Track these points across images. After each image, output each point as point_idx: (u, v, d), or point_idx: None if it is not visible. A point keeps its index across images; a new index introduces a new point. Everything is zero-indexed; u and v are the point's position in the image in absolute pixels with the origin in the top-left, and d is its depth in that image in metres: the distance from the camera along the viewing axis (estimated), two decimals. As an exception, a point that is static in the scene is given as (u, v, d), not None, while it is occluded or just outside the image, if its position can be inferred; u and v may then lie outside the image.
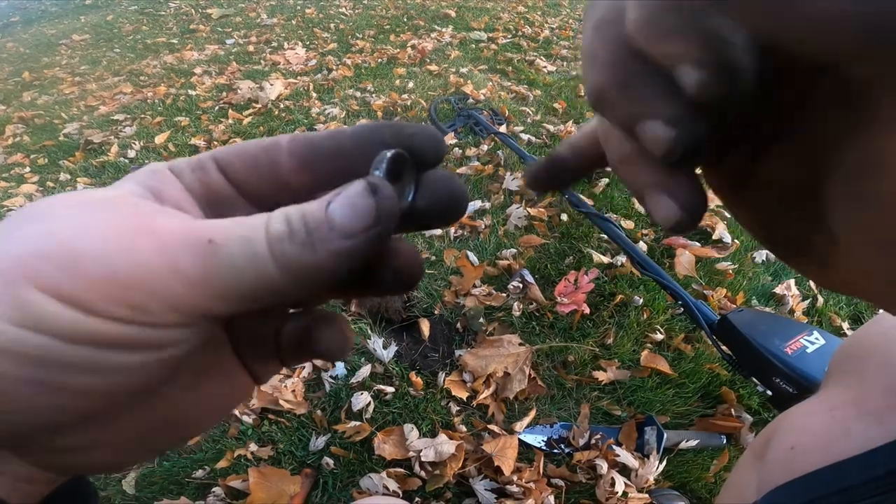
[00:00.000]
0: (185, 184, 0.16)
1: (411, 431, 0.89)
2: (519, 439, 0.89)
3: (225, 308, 0.13)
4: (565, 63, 2.67)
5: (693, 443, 0.91)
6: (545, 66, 2.54)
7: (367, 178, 0.14)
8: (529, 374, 0.99)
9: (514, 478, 0.84)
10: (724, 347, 0.84)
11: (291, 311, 0.19)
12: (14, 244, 0.11)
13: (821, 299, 1.18)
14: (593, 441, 0.91)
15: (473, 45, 2.81)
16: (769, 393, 0.91)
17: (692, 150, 0.12)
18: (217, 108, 2.18)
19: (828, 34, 0.09)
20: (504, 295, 1.15)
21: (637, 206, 1.41)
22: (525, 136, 1.85)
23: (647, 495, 0.83)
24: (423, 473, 0.85)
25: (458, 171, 1.62)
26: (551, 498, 0.82)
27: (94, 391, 0.12)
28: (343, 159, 0.16)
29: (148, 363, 0.13)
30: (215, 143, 1.87)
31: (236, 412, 0.92)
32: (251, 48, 2.88)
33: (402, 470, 0.85)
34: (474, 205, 1.46)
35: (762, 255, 1.28)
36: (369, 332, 1.07)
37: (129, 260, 0.12)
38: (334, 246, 0.13)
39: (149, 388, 0.14)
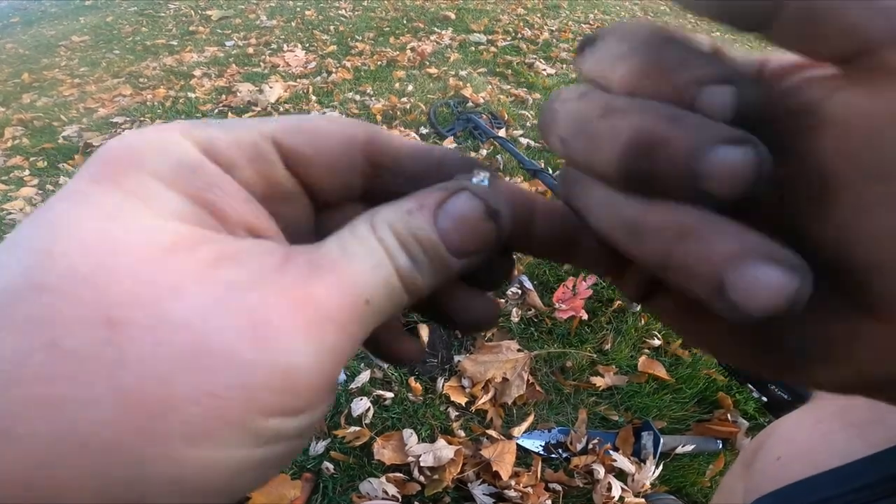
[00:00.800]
0: (242, 180, 0.13)
1: (410, 436, 0.90)
2: (517, 444, 0.90)
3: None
4: (565, 66, 2.68)
5: (689, 447, 0.91)
6: (545, 69, 2.55)
7: (474, 191, 0.13)
8: (528, 380, 1.00)
9: (512, 483, 0.84)
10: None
11: None
12: (202, 379, 0.10)
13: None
14: (591, 446, 0.91)
15: (473, 48, 2.81)
16: (765, 399, 0.92)
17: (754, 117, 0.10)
18: (216, 110, 2.18)
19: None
20: (502, 301, 1.16)
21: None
22: (524, 141, 1.86)
23: (643, 500, 0.84)
24: (422, 478, 0.85)
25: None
26: (549, 502, 0.83)
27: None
28: (417, 181, 0.15)
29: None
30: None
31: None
32: (251, 50, 2.88)
33: (401, 475, 0.86)
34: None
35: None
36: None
37: (332, 354, 0.11)
38: (454, 266, 0.13)
39: None
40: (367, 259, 0.12)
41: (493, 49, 2.79)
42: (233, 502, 0.12)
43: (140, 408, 0.09)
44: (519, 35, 3.04)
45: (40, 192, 1.73)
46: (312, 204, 0.15)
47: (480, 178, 0.14)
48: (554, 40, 3.04)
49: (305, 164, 0.14)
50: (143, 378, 0.10)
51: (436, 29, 3.09)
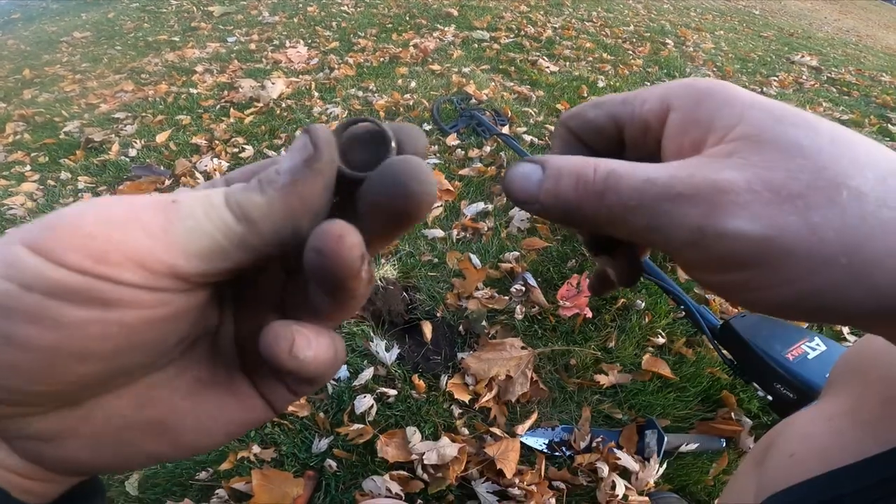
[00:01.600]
0: None
1: (414, 434, 0.90)
2: (521, 442, 0.90)
3: (191, 265, 0.13)
4: (568, 63, 2.67)
5: (693, 446, 0.91)
6: (548, 67, 2.54)
7: (307, 127, 0.15)
8: (531, 378, 1.00)
9: (516, 480, 0.84)
10: (725, 352, 0.84)
11: None
12: (27, 226, 0.13)
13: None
14: (594, 444, 0.91)
15: (476, 45, 2.80)
16: (770, 398, 0.91)
17: None
18: (218, 106, 2.17)
19: None
20: (506, 298, 1.16)
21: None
22: (528, 138, 1.85)
23: (646, 498, 0.84)
24: (425, 476, 0.85)
25: (460, 172, 1.62)
26: (552, 500, 0.82)
27: (41, 346, 0.12)
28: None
29: (104, 322, 0.13)
30: (216, 142, 1.86)
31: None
32: (253, 46, 2.87)
33: (404, 472, 0.86)
34: (477, 207, 1.47)
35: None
36: (371, 334, 1.08)
37: (99, 215, 0.13)
38: (280, 181, 0.14)
39: (110, 357, 0.13)
40: (202, 188, 0.15)
41: (496, 46, 2.78)
42: (27, 382, 0.13)
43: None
44: (522, 32, 3.03)
45: (41, 187, 1.72)
46: None
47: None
48: (557, 38, 3.03)
49: None
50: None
51: (438, 26, 3.08)
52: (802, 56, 3.51)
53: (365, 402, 0.95)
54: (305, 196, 0.14)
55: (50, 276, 0.12)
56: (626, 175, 0.16)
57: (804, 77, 3.06)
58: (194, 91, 2.32)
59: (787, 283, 0.15)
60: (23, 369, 0.12)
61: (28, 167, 1.85)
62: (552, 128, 1.93)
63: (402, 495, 0.83)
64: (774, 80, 2.89)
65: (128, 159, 1.81)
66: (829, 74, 3.21)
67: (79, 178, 1.74)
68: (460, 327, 1.11)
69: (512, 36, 2.96)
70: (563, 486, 0.85)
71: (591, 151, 0.21)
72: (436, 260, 1.28)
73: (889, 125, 2.43)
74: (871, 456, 0.32)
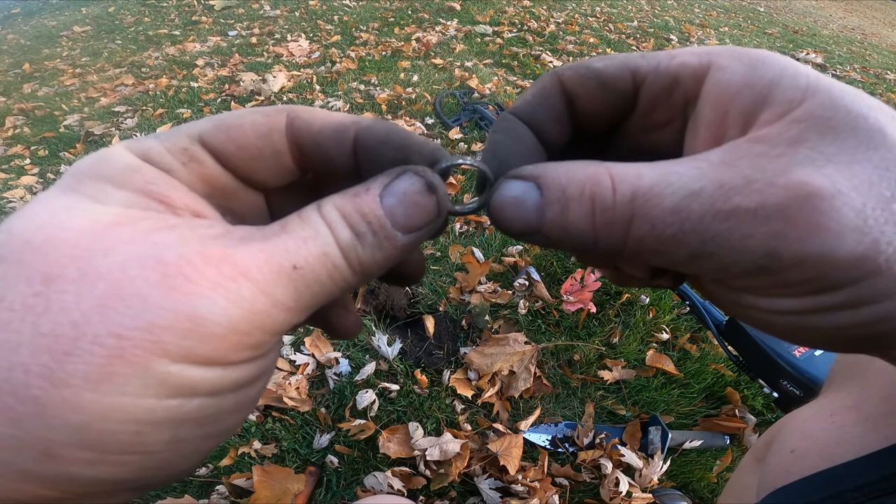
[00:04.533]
0: (181, 180, 0.14)
1: (416, 430, 0.89)
2: (524, 438, 0.89)
3: (304, 318, 0.14)
4: (571, 58, 2.65)
5: (697, 443, 0.90)
6: (551, 61, 2.52)
7: (417, 171, 0.14)
8: (535, 373, 0.99)
9: (519, 477, 0.83)
10: (730, 348, 0.83)
11: None
12: (110, 319, 0.11)
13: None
14: (598, 440, 0.90)
15: (479, 39, 2.78)
16: (775, 395, 0.91)
17: None
18: (219, 100, 2.16)
19: None
20: (510, 292, 1.15)
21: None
22: (530, 133, 1.84)
23: (650, 495, 0.83)
24: (427, 472, 0.84)
25: (463, 166, 1.61)
26: (556, 497, 0.82)
27: (229, 430, 0.14)
28: (346, 158, 0.15)
29: (264, 385, 0.14)
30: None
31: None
32: (254, 40, 2.85)
33: (406, 469, 0.85)
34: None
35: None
36: (374, 328, 1.07)
37: (244, 309, 0.12)
38: (399, 242, 0.14)
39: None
40: (301, 231, 0.13)
41: (498, 40, 2.76)
42: (157, 474, 0.12)
43: (50, 351, 0.10)
44: (525, 27, 3.01)
45: (41, 180, 1.71)
46: (253, 191, 0.16)
47: (437, 165, 0.15)
48: (560, 33, 3.01)
49: (231, 160, 0.15)
50: (60, 323, 0.10)
51: (441, 20, 3.06)
52: (807, 53, 3.49)
53: (367, 398, 0.94)
54: (417, 245, 0.15)
55: (235, 377, 0.12)
56: (659, 191, 0.12)
57: (809, 73, 3.03)
58: (195, 85, 2.30)
59: (872, 302, 0.12)
60: (175, 466, 0.13)
61: (28, 160, 1.84)
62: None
63: (405, 491, 0.82)
64: (779, 77, 2.86)
65: (128, 153, 1.81)
66: (833, 72, 3.19)
67: (79, 171, 1.74)
68: (463, 322, 1.10)
69: (515, 30, 2.94)
70: (566, 482, 0.85)
71: (579, 118, 0.17)
72: (438, 254, 1.27)
73: (895, 122, 2.41)
74: (873, 452, 0.32)
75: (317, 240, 0.13)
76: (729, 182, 0.12)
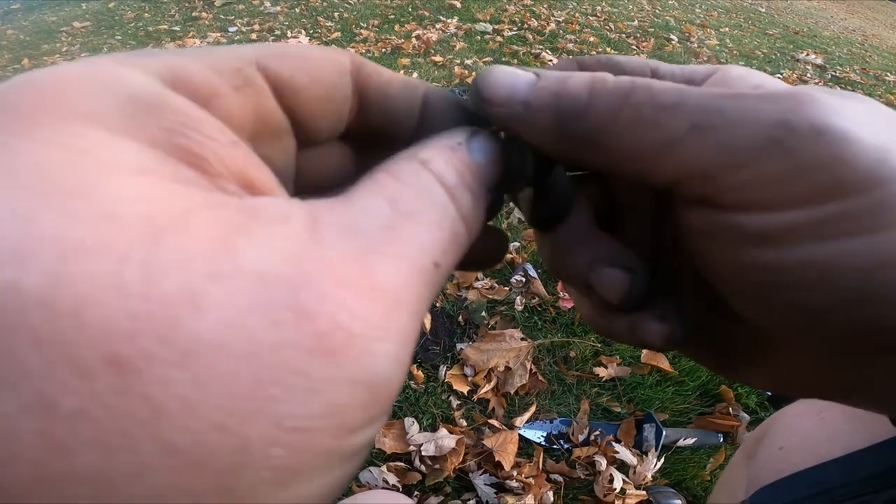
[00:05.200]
0: (225, 114, 0.10)
1: (412, 425, 0.89)
2: (519, 434, 0.90)
3: None
4: (571, 57, 2.65)
5: (690, 441, 0.91)
6: (551, 60, 2.52)
7: (488, 133, 0.13)
8: (531, 369, 1.00)
9: (514, 473, 0.84)
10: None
11: None
12: (271, 409, 0.08)
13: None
14: (593, 437, 0.91)
15: (479, 37, 2.78)
16: (768, 393, 0.91)
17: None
18: (219, 96, 2.16)
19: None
20: (506, 289, 1.15)
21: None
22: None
23: (644, 492, 0.84)
24: (423, 468, 0.85)
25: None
26: (550, 494, 0.82)
27: None
28: (412, 116, 0.14)
29: None
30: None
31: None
32: (254, 36, 2.85)
33: (402, 464, 0.86)
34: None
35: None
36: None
37: (406, 347, 0.09)
38: (487, 203, 0.12)
39: None
40: (430, 212, 0.10)
41: (499, 38, 2.76)
42: None
43: (207, 467, 0.07)
44: (525, 25, 3.01)
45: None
46: (291, 139, 0.13)
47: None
48: (560, 31, 3.01)
49: (298, 95, 0.12)
50: (196, 431, 0.07)
51: (441, 17, 3.06)
52: (807, 54, 3.49)
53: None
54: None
55: (370, 434, 0.10)
56: (661, 76, 0.13)
57: (808, 75, 3.04)
58: (195, 81, 2.30)
59: (878, 228, 0.10)
60: None
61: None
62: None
63: (399, 486, 0.83)
64: (779, 78, 2.87)
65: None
66: (833, 73, 3.19)
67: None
68: (460, 318, 1.11)
69: (515, 28, 2.94)
70: (560, 479, 0.85)
71: None
72: (436, 252, 1.28)
73: (893, 123, 2.42)
74: (860, 449, 0.32)
75: (446, 219, 0.10)
76: (731, 86, 0.12)
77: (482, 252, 0.15)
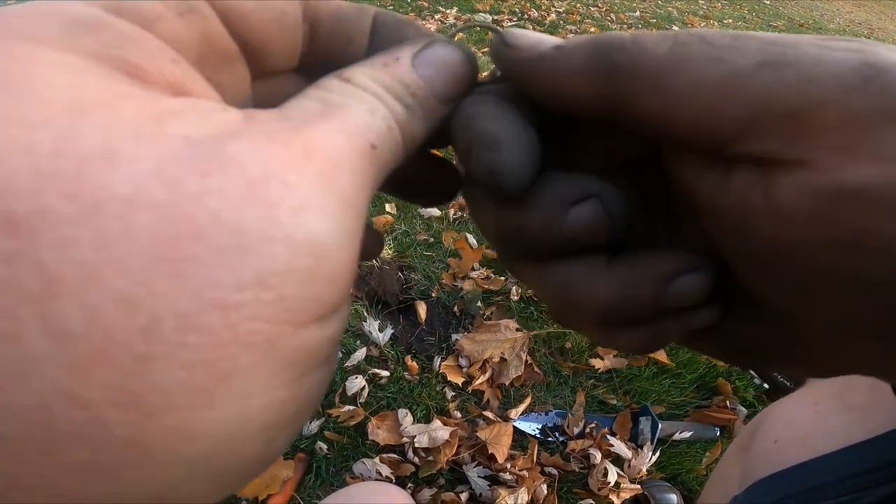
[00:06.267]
0: (168, 35, 0.10)
1: (405, 417, 0.89)
2: (514, 427, 0.89)
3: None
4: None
5: (687, 434, 0.90)
6: (551, 51, 2.50)
7: (447, 40, 0.13)
8: (526, 361, 0.99)
9: (508, 465, 0.83)
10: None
11: None
12: (193, 277, 0.07)
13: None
14: (588, 430, 0.90)
15: (478, 28, 2.75)
16: (766, 385, 0.90)
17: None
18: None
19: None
20: (502, 279, 1.14)
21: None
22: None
23: (638, 486, 0.83)
24: (416, 459, 0.84)
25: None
26: (544, 486, 0.82)
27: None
28: (363, 39, 0.14)
29: None
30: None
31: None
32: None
33: (395, 456, 0.85)
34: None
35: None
36: (365, 314, 1.06)
37: (353, 216, 0.09)
38: (439, 114, 0.12)
39: None
40: (360, 105, 0.10)
41: (498, 29, 2.74)
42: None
43: (104, 361, 0.06)
44: (525, 16, 2.99)
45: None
46: (243, 67, 0.12)
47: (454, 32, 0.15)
48: (561, 22, 2.99)
49: (246, 20, 0.11)
50: (94, 308, 0.06)
51: (440, 8, 3.03)
52: (811, 46, 3.47)
53: (357, 384, 0.94)
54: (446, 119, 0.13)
55: (326, 335, 0.10)
56: None
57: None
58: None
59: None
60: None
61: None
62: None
63: (393, 478, 0.82)
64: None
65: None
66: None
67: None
68: (455, 308, 1.10)
69: (515, 19, 2.91)
70: (555, 472, 0.85)
71: None
72: (431, 240, 1.27)
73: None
74: (856, 443, 0.31)
75: (377, 112, 0.11)
76: None
77: (433, 182, 0.16)
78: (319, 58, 0.13)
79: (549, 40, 0.12)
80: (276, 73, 0.13)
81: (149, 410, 0.06)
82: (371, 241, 0.15)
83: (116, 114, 0.07)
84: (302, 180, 0.08)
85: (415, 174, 0.15)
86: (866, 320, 0.10)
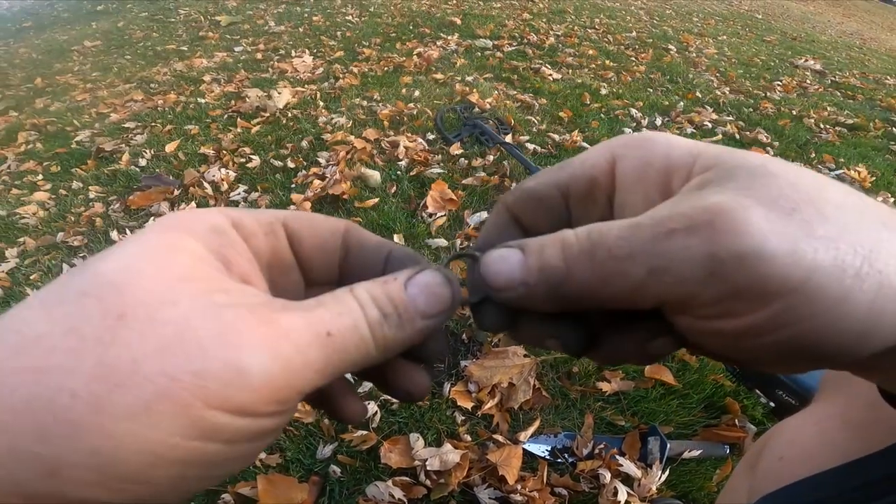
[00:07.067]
0: (254, 247, 0.17)
1: (417, 440, 0.91)
2: (523, 449, 0.90)
3: (326, 381, 0.15)
4: (571, 71, 2.68)
5: (696, 452, 0.91)
6: (550, 74, 2.55)
7: (437, 268, 0.17)
8: (534, 385, 1.01)
9: (518, 487, 0.85)
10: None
11: None
12: (167, 361, 0.12)
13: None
14: (597, 451, 0.91)
15: (479, 53, 2.83)
16: (772, 404, 0.91)
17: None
18: (226, 116, 2.21)
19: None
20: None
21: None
22: (531, 146, 1.86)
23: (649, 505, 0.84)
24: (428, 482, 0.86)
25: (463, 181, 1.64)
26: (555, 507, 0.83)
27: (222, 477, 0.15)
28: (379, 265, 0.19)
29: (269, 442, 0.16)
30: (224, 151, 1.89)
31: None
32: (259, 56, 2.91)
33: (407, 478, 0.87)
34: (480, 216, 1.48)
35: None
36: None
37: (281, 366, 0.13)
38: (418, 325, 0.16)
39: None
40: (335, 306, 0.15)
41: (499, 54, 2.80)
42: None
43: (104, 380, 0.11)
44: (525, 40, 3.06)
45: (53, 196, 1.75)
46: (304, 281, 0.19)
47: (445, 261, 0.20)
48: (560, 45, 3.05)
49: (302, 242, 0.19)
50: (120, 357, 0.12)
51: (442, 34, 3.11)
52: (806, 60, 3.51)
53: (369, 409, 0.96)
54: (433, 329, 0.17)
55: (255, 427, 0.14)
56: (608, 227, 0.15)
57: (808, 81, 3.06)
58: (202, 101, 2.35)
59: (822, 314, 0.13)
60: (165, 499, 0.14)
61: (40, 176, 1.88)
62: (555, 136, 1.95)
63: (405, 501, 0.84)
64: (778, 85, 2.89)
65: (138, 169, 1.84)
66: (832, 78, 3.21)
67: (90, 187, 1.78)
68: (463, 335, 1.12)
69: (515, 44, 2.98)
70: (565, 492, 0.86)
71: (528, 232, 0.20)
72: (439, 267, 1.29)
73: (894, 129, 2.42)
74: (855, 459, 0.32)
75: (350, 314, 0.15)
76: (659, 215, 0.15)
77: (427, 351, 0.20)
78: (352, 275, 0.19)
79: (517, 268, 0.16)
80: (323, 283, 0.19)
81: (99, 410, 0.11)
82: (417, 380, 0.20)
83: (195, 284, 0.14)
84: (249, 335, 0.13)
85: (393, 375, 0.19)
86: (784, 354, 0.15)
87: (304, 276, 0.19)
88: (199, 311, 0.13)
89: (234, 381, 0.12)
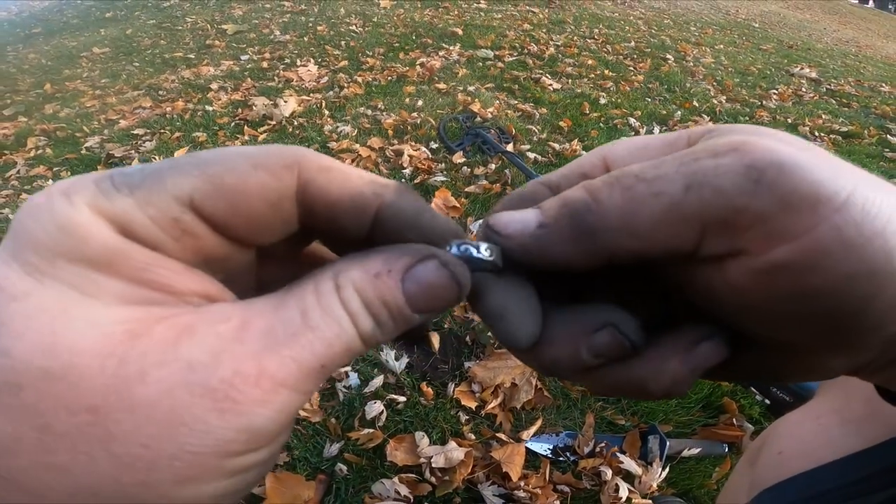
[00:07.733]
0: (170, 253, 0.13)
1: (422, 439, 0.93)
2: (526, 447, 0.92)
3: None
4: (570, 80, 2.73)
5: (695, 451, 0.93)
6: (551, 84, 2.60)
7: (443, 260, 0.14)
8: (536, 385, 1.03)
9: (522, 484, 0.87)
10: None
11: None
12: (181, 440, 0.12)
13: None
14: (598, 449, 0.94)
15: (480, 63, 2.87)
16: (767, 402, 0.94)
17: None
18: (233, 124, 2.24)
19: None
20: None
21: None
22: (531, 155, 1.90)
23: (650, 501, 0.86)
24: (433, 479, 0.87)
25: (466, 189, 1.67)
26: (557, 503, 0.85)
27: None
28: (360, 232, 0.15)
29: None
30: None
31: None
32: (265, 64, 2.96)
33: (412, 476, 0.88)
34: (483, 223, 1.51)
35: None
36: (382, 344, 1.11)
37: (287, 413, 0.13)
38: (413, 322, 0.14)
39: None
40: (327, 330, 0.13)
41: (500, 64, 2.85)
42: None
43: (133, 467, 0.11)
44: (525, 50, 3.11)
45: (64, 201, 1.78)
46: (247, 252, 0.15)
47: (458, 246, 0.15)
48: (560, 55, 3.10)
49: (232, 229, 0.13)
50: (130, 446, 0.11)
51: (444, 45, 3.16)
52: (802, 68, 3.56)
53: (375, 408, 0.98)
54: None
55: (261, 457, 0.13)
56: (629, 166, 0.14)
57: (804, 89, 3.10)
58: (210, 108, 2.39)
59: (861, 247, 0.12)
60: None
61: (50, 181, 1.91)
62: (555, 145, 1.98)
63: (411, 498, 0.85)
64: (774, 93, 2.93)
65: (146, 174, 1.87)
66: (828, 86, 3.25)
67: (99, 192, 1.80)
68: (467, 337, 1.15)
69: (515, 54, 3.03)
70: (567, 489, 0.88)
71: None
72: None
73: (888, 136, 2.46)
74: (854, 453, 0.34)
75: (342, 337, 0.13)
76: (680, 152, 0.14)
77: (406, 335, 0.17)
78: (327, 239, 0.17)
79: (531, 218, 0.14)
80: (283, 257, 0.16)
81: (150, 485, 0.12)
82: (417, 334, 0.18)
83: (149, 341, 0.12)
84: (247, 400, 0.12)
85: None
86: (812, 340, 0.14)
87: (258, 254, 0.15)
88: (180, 384, 0.12)
89: (248, 440, 0.12)
